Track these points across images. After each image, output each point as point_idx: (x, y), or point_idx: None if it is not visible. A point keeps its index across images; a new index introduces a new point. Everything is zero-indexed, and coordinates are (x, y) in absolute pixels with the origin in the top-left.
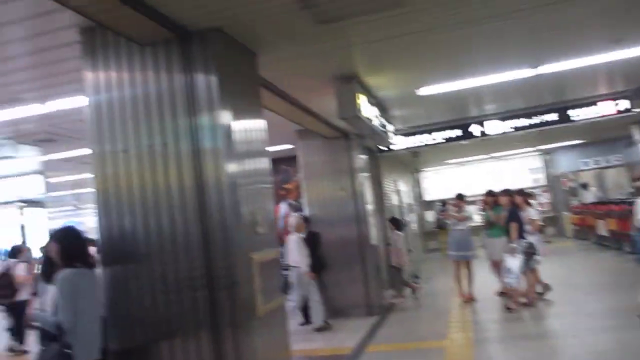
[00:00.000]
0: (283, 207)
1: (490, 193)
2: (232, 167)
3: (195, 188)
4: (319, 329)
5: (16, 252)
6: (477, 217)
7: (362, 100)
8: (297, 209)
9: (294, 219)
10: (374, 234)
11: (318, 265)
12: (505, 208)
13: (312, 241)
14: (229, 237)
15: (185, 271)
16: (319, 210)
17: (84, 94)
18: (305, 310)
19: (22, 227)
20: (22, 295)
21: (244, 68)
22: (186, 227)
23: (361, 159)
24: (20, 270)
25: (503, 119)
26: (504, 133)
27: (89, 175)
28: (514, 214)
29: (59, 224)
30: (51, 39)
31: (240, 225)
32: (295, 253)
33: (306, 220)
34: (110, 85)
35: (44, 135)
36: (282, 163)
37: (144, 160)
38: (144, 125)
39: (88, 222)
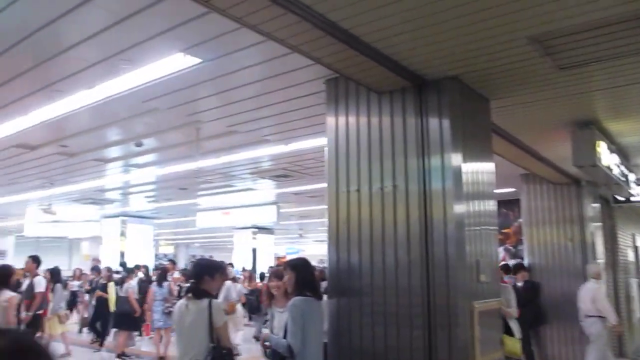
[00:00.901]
0: (500, 252)
1: None
2: (459, 208)
3: (421, 228)
4: None
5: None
6: None
7: (601, 148)
8: (515, 255)
9: (593, 266)
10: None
11: (537, 318)
12: None
13: (532, 291)
14: (451, 279)
15: (405, 308)
16: (540, 258)
17: (323, 137)
18: None
19: (254, 251)
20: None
21: (476, 113)
22: (409, 266)
23: (593, 208)
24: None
25: None
26: None
27: (313, 208)
28: None
29: (283, 249)
30: (299, 89)
31: (463, 268)
32: (589, 301)
33: (525, 268)
34: (348, 130)
35: (281, 171)
36: (502, 206)
37: (375, 200)
38: (376, 167)
39: (307, 250)
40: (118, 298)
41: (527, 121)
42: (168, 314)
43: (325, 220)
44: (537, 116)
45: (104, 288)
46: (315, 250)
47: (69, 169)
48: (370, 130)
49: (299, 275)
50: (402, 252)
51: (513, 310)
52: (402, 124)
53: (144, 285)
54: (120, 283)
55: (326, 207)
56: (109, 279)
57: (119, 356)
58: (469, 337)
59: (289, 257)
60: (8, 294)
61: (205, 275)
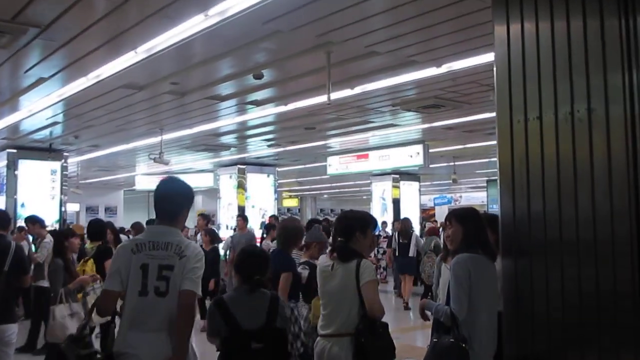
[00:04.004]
0: None
1: None
2: None
3: (628, 164)
4: None
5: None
6: None
7: None
8: None
9: None
10: None
11: None
12: None
13: None
14: None
15: (607, 271)
16: None
17: (489, 52)
18: None
19: (396, 202)
20: None
21: None
22: (612, 216)
23: None
24: None
25: None
26: None
27: (470, 146)
28: None
29: (430, 198)
30: None
31: None
32: None
33: None
34: (524, 40)
35: (431, 101)
36: None
37: (562, 129)
38: (564, 87)
39: (461, 199)
40: None
41: None
42: None
43: (495, 159)
44: None
45: None
46: (472, 199)
47: (180, 110)
48: (554, 38)
49: (468, 229)
50: (602, 197)
51: None
52: (598, 28)
53: None
54: None
55: (495, 142)
56: None
57: None
58: None
59: (438, 209)
60: None
61: (357, 232)
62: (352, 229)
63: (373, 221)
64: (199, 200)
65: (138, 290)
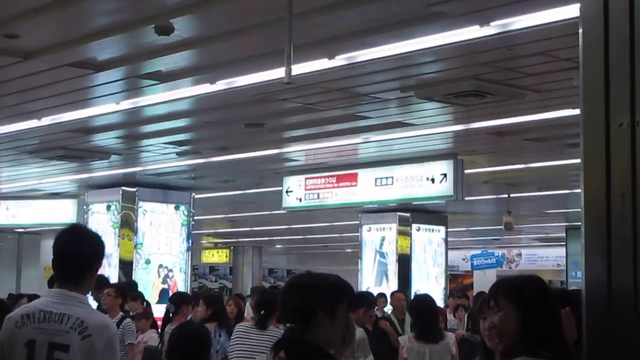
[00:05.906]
0: None
1: None
2: None
3: None
4: None
5: None
6: None
7: None
8: None
9: None
10: None
11: None
12: None
13: None
14: None
15: None
16: None
17: (569, 3)
18: None
19: (404, 260)
20: None
21: None
22: None
23: None
24: None
25: None
26: None
27: (536, 166)
28: None
29: (465, 256)
30: None
31: None
32: None
33: None
34: None
35: (468, 84)
36: None
37: None
38: None
39: (521, 259)
40: None
41: None
42: None
43: (579, 190)
44: None
45: None
46: (539, 259)
47: (21, 85)
48: None
49: (527, 315)
50: None
51: None
52: None
53: None
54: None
55: (580, 160)
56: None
57: None
58: None
59: (478, 275)
60: None
61: (320, 312)
62: (310, 308)
63: (347, 291)
64: (46, 247)
65: None
